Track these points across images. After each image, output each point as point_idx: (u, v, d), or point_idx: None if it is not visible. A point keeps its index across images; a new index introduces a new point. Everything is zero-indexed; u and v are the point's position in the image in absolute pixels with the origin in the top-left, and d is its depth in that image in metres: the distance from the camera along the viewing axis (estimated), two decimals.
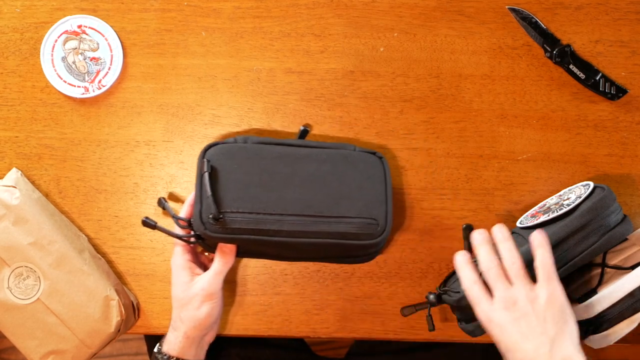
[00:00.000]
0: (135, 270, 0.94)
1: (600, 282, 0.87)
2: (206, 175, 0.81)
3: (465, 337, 0.93)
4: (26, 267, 0.87)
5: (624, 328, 0.84)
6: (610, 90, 0.93)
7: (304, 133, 0.91)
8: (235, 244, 0.84)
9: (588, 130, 0.94)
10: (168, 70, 0.94)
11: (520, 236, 0.85)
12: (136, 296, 0.93)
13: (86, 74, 0.93)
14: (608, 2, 0.95)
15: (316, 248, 0.84)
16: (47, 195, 0.93)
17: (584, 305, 0.85)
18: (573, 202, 0.83)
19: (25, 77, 0.94)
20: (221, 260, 0.84)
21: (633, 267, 0.85)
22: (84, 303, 0.88)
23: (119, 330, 0.89)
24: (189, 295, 0.84)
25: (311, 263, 0.93)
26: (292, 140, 0.88)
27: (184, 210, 0.87)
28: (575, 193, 0.85)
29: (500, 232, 0.80)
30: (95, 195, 0.94)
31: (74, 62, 0.93)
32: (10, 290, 0.87)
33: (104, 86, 0.93)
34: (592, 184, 0.85)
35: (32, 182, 0.93)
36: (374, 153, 0.88)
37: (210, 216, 0.80)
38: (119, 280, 0.93)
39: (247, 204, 0.82)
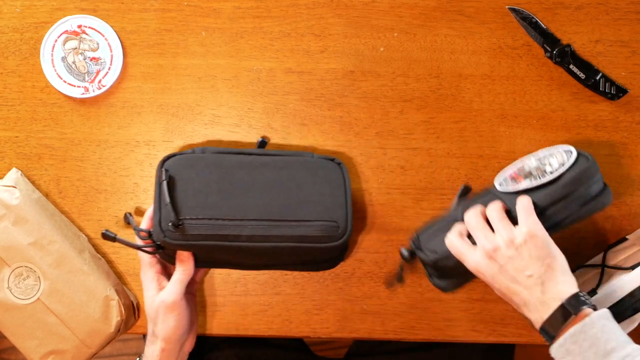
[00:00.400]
0: (135, 270, 0.93)
1: (600, 282, 0.87)
2: (164, 183, 0.81)
3: (465, 337, 0.93)
4: (26, 267, 0.87)
5: (624, 328, 0.84)
6: (611, 90, 0.93)
7: (262, 144, 0.91)
8: (194, 251, 0.83)
9: (588, 130, 0.94)
10: (168, 70, 0.94)
11: (499, 199, 0.82)
12: (136, 296, 0.93)
13: (86, 74, 0.93)
14: (608, 2, 0.95)
15: (278, 252, 0.83)
16: (47, 195, 0.93)
17: None
18: (556, 170, 0.80)
19: (25, 77, 0.94)
20: (179, 269, 0.84)
21: (633, 267, 0.85)
22: (84, 303, 0.88)
23: (119, 330, 0.89)
24: (154, 309, 0.83)
25: None
26: (250, 149, 0.89)
27: (144, 223, 0.86)
28: (557, 159, 0.82)
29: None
30: (95, 195, 0.94)
31: (74, 62, 0.93)
32: (10, 290, 0.87)
33: (104, 86, 0.93)
34: (574, 151, 0.82)
35: (32, 182, 0.93)
36: (332, 159, 0.89)
37: (170, 224, 0.80)
38: (119, 280, 0.93)
39: (207, 211, 0.82)
